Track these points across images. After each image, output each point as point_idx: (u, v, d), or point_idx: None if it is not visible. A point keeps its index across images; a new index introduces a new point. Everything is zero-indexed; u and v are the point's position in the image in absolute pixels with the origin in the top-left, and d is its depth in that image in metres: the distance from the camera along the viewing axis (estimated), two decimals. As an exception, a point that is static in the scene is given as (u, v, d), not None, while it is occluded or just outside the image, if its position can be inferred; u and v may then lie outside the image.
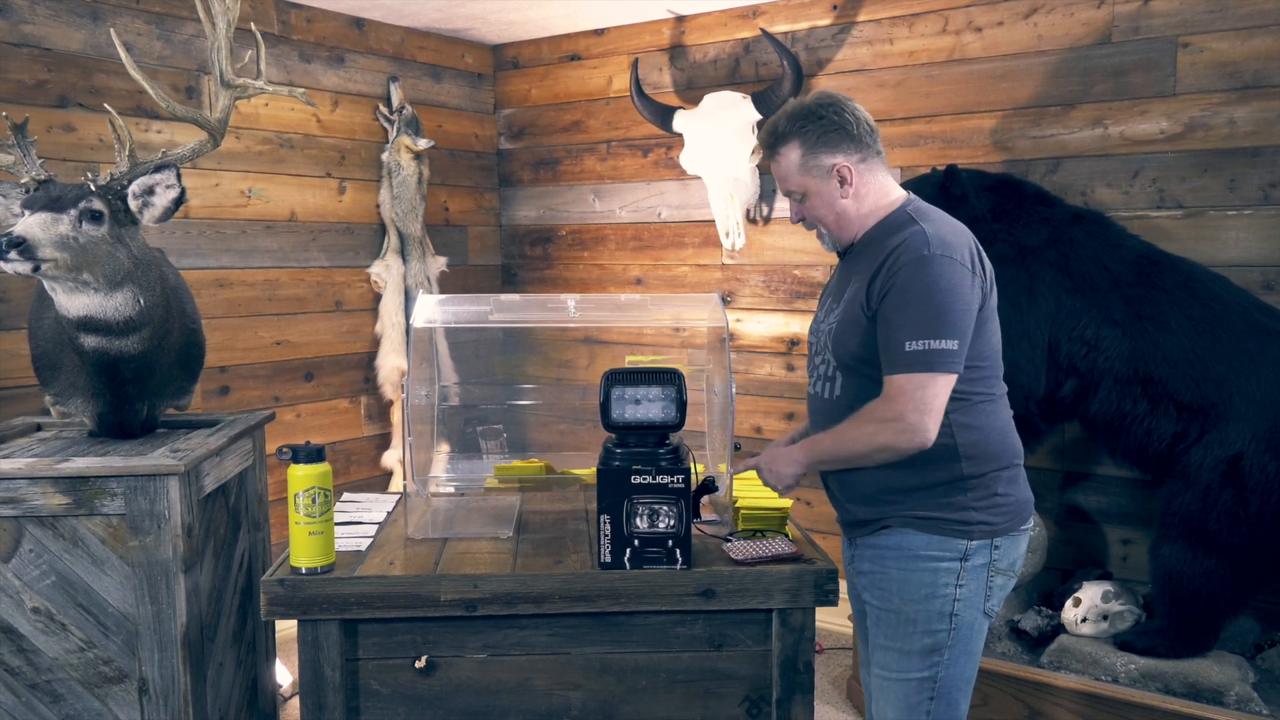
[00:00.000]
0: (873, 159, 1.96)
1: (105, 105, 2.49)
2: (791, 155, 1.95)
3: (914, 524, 1.91)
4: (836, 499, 2.06)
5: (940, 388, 1.81)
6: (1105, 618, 2.95)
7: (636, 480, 1.98)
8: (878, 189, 1.97)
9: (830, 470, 2.02)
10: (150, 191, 2.31)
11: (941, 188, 3.03)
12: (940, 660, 1.91)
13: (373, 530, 2.32)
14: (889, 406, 1.82)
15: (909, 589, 1.92)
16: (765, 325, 4.13)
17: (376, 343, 4.25)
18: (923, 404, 1.79)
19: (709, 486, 2.18)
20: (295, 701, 3.31)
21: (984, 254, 1.94)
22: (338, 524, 2.29)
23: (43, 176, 2.33)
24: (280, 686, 3.13)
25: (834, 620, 3.89)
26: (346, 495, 2.65)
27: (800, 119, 1.94)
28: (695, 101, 4.01)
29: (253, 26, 2.65)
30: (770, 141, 1.98)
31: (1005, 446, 1.94)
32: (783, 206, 4.02)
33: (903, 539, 1.92)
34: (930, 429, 1.81)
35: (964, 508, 1.89)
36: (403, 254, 4.25)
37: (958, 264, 1.84)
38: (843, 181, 1.94)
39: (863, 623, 2.11)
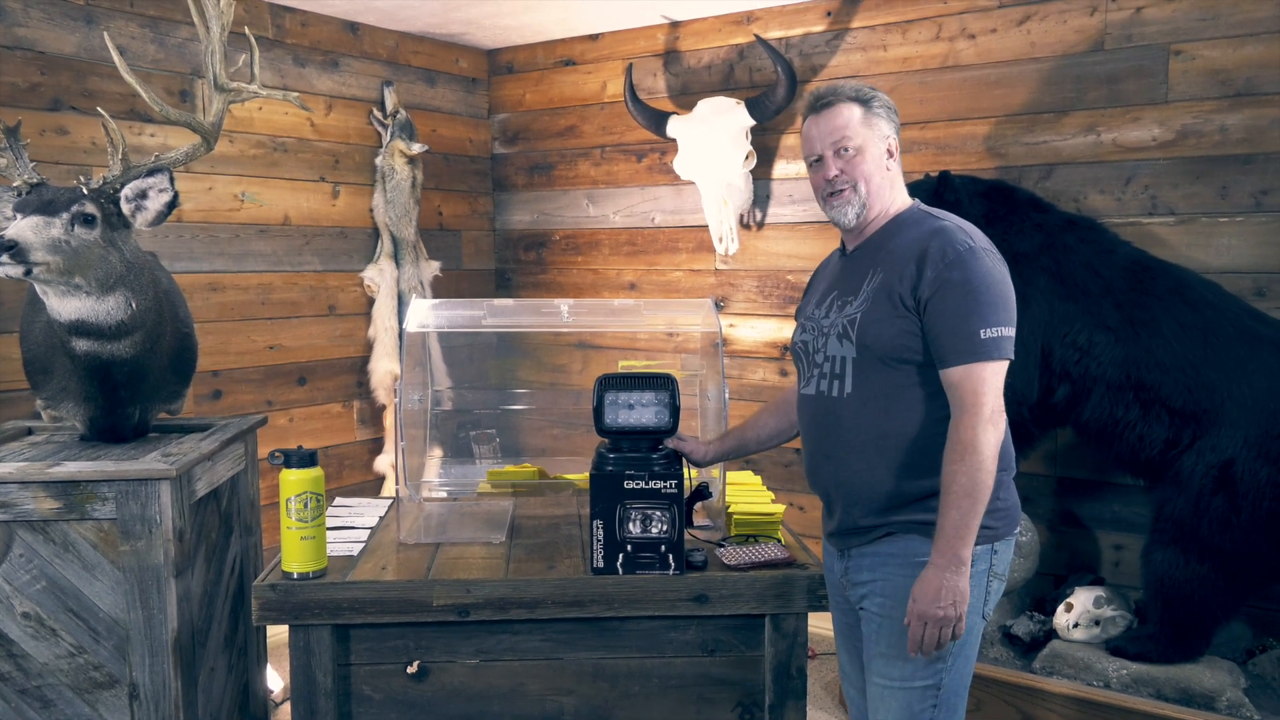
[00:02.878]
0: (899, 159, 2.03)
1: (98, 108, 2.48)
2: (855, 109, 1.96)
3: (918, 529, 1.89)
4: (835, 506, 2.00)
5: (1003, 373, 1.84)
6: (1097, 623, 2.96)
7: (629, 485, 1.99)
8: (900, 183, 2.02)
9: (832, 474, 1.98)
10: (143, 195, 2.30)
11: (935, 193, 3.03)
12: (945, 667, 1.89)
13: (365, 535, 2.32)
14: (979, 402, 1.80)
15: None
16: (759, 330, 4.13)
17: (369, 347, 4.24)
18: (1000, 389, 1.83)
19: (702, 493, 2.18)
20: (287, 707, 3.30)
21: None
22: (330, 529, 2.28)
23: (35, 180, 2.32)
24: (272, 692, 3.12)
25: (826, 626, 3.87)
26: (339, 500, 2.65)
27: (863, 90, 1.98)
28: (689, 107, 4.01)
29: (247, 30, 2.64)
30: (829, 99, 1.97)
31: (1006, 451, 1.94)
32: (776, 211, 4.03)
33: (906, 545, 1.89)
34: (1004, 410, 1.85)
35: None
36: (396, 258, 4.25)
37: (998, 259, 1.89)
38: (889, 154, 1.97)
39: (848, 633, 2.09)
